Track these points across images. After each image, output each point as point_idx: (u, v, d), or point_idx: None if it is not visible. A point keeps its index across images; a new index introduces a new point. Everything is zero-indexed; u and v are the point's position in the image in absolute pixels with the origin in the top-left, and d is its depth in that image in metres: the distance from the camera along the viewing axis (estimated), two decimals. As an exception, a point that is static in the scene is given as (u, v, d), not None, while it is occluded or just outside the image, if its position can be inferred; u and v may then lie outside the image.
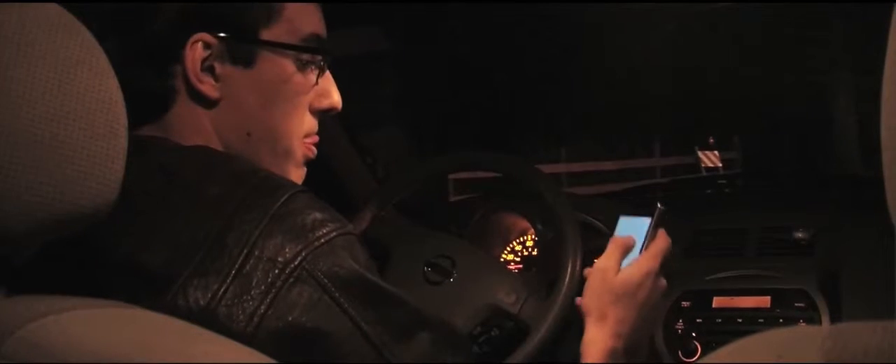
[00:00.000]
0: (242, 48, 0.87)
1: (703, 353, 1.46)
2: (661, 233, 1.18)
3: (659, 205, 1.19)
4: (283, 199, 0.76)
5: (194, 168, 0.80)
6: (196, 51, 0.84)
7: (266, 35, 0.88)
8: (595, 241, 1.71)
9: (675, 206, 1.96)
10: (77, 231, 0.69)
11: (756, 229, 1.64)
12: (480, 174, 1.99)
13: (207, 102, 0.86)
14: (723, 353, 0.48)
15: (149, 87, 0.85)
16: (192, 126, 0.86)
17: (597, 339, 1.10)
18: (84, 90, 0.66)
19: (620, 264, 1.13)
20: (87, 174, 0.66)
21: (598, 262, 1.14)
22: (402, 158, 2.03)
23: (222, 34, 0.85)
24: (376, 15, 1.73)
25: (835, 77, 9.10)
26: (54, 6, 0.68)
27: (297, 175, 0.94)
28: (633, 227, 1.20)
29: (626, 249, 1.15)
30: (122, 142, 0.69)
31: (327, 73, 0.94)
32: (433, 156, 1.77)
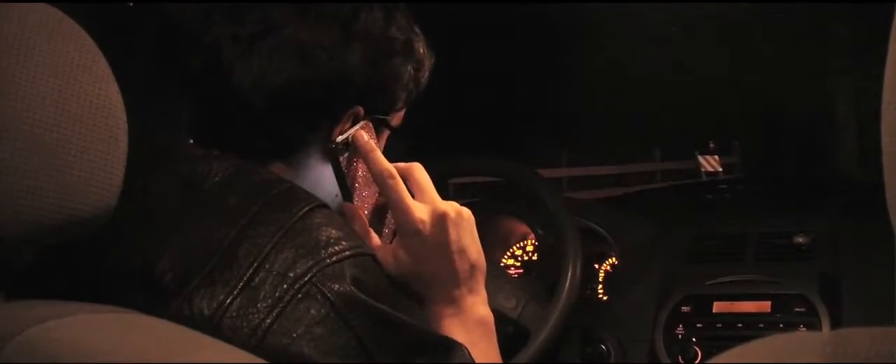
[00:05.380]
0: (375, 127, 0.92)
1: (704, 358, 1.46)
2: (377, 177, 0.90)
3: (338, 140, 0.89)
4: (299, 215, 0.76)
5: (217, 177, 0.80)
6: (347, 119, 0.89)
7: (393, 120, 0.95)
8: (595, 246, 1.71)
9: (675, 210, 1.97)
10: (77, 236, 0.69)
11: (756, 234, 1.64)
12: (481, 178, 1.99)
13: (323, 162, 0.90)
14: (723, 358, 0.48)
15: (291, 135, 0.88)
16: (292, 177, 0.87)
17: (448, 324, 0.90)
18: (84, 95, 0.66)
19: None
20: (87, 179, 0.66)
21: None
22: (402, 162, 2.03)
23: (373, 115, 0.91)
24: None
25: (835, 82, 9.10)
26: (55, 10, 0.68)
27: None
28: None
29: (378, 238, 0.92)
30: (123, 147, 0.69)
31: None
32: (433, 160, 1.77)
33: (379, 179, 0.89)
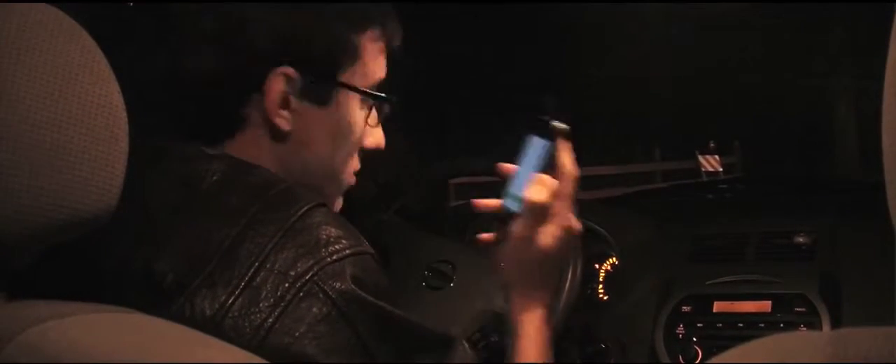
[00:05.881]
0: (321, 87, 0.88)
1: (704, 358, 1.46)
2: (564, 169, 0.97)
3: (555, 124, 0.97)
4: (299, 214, 0.76)
5: (215, 177, 0.80)
6: (277, 83, 0.85)
7: (345, 77, 0.89)
8: (595, 246, 1.71)
9: (675, 210, 1.97)
10: (77, 236, 0.69)
11: (757, 234, 1.64)
12: (481, 179, 1.99)
13: (277, 134, 0.87)
14: (723, 358, 0.48)
15: (222, 111, 0.86)
16: (253, 154, 0.86)
17: (532, 317, 0.97)
18: (84, 95, 0.66)
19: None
20: (88, 179, 0.66)
21: (518, 231, 0.97)
22: (403, 163, 2.03)
23: (306, 71, 0.86)
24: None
25: (835, 82, 9.11)
26: (55, 10, 0.68)
27: (336, 205, 0.95)
28: (533, 156, 0.99)
29: (542, 215, 0.97)
30: (123, 146, 0.69)
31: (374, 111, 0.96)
32: (434, 161, 1.78)
33: (570, 173, 0.96)
